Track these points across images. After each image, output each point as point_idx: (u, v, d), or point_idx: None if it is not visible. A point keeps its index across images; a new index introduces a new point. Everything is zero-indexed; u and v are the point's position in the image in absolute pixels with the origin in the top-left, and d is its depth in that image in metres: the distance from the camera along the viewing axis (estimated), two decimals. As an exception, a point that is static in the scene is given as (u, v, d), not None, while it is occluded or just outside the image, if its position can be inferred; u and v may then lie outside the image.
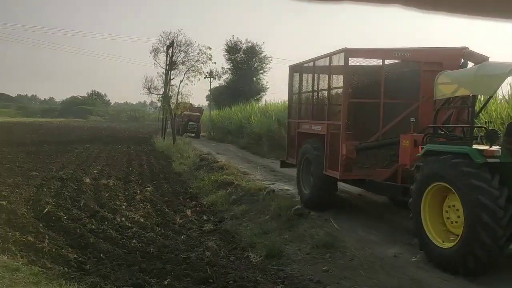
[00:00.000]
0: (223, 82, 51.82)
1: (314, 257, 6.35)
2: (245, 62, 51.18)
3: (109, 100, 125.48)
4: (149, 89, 27.97)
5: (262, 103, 38.53)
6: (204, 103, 60.64)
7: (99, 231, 7.44)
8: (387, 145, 7.78)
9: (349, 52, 7.70)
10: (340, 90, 8.25)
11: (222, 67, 50.26)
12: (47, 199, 9.66)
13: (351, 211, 8.77)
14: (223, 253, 6.72)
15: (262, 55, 51.36)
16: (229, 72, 51.71)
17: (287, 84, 10.84)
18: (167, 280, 5.33)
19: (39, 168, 14.60)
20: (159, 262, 6.03)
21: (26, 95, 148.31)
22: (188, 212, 9.37)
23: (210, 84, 47.38)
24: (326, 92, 8.84)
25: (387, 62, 8.27)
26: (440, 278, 5.40)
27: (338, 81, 8.52)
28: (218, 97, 51.27)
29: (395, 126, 7.80)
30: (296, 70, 10.61)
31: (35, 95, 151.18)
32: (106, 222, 8.06)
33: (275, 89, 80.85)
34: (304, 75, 10.22)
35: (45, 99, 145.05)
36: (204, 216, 9.35)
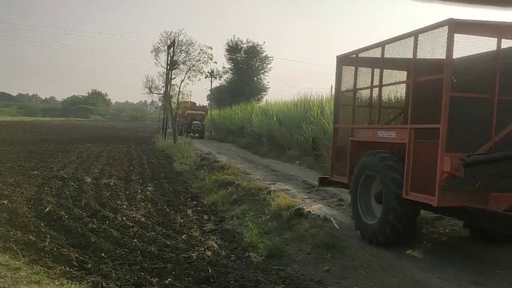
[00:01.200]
0: (224, 82, 51.99)
1: (315, 257, 6.36)
2: (246, 62, 51.28)
3: (110, 100, 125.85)
4: (150, 88, 28.04)
5: (263, 103, 38.59)
6: (205, 102, 60.76)
7: (100, 231, 7.46)
8: (507, 158, 5.66)
9: (455, 26, 5.51)
10: (432, 82, 6.10)
11: (223, 67, 50.47)
12: (48, 199, 9.69)
13: (350, 210, 8.74)
14: (224, 252, 6.74)
15: (263, 54, 51.52)
16: (230, 72, 51.89)
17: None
18: (168, 279, 5.35)
19: (40, 167, 14.63)
20: (160, 261, 6.05)
21: (27, 94, 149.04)
22: (189, 211, 9.38)
23: (211, 84, 47.55)
24: (405, 87, 6.97)
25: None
26: (441, 279, 5.40)
27: (425, 70, 6.38)
28: (219, 96, 51.41)
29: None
30: (349, 61, 8.19)
31: (36, 94, 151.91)
32: (107, 222, 8.07)
33: (276, 89, 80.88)
34: (363, 69, 7.90)
35: (46, 98, 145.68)
36: (205, 215, 9.36)
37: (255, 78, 51.53)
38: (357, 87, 7.83)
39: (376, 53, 7.18)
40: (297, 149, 18.33)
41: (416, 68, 6.26)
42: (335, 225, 7.58)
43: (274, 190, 10.19)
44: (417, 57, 6.17)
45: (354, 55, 7.82)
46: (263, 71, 52.31)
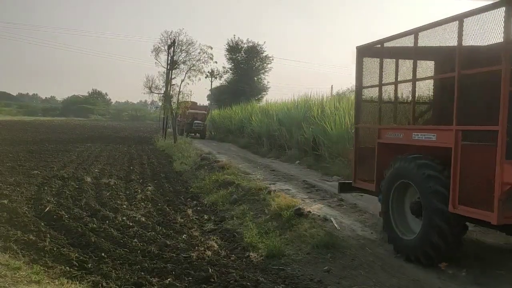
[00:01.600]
0: (224, 82, 52.11)
1: (314, 257, 6.36)
2: (246, 61, 51.40)
3: (110, 99, 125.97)
4: (150, 88, 28.08)
5: (263, 102, 38.62)
6: (205, 102, 60.89)
7: (100, 230, 7.46)
8: None
9: None
10: (480, 75, 5.25)
11: (223, 67, 50.59)
12: (48, 198, 9.70)
13: (350, 210, 8.76)
14: (224, 252, 6.74)
15: (263, 54, 51.62)
16: (230, 71, 52.03)
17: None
18: (168, 279, 5.34)
19: (41, 167, 14.65)
20: (160, 261, 6.05)
21: (27, 93, 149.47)
22: (189, 211, 9.38)
23: (211, 84, 47.64)
24: (447, 81, 6.03)
25: None
26: (440, 279, 5.41)
27: (472, 61, 5.34)
28: (219, 96, 51.54)
29: None
30: (372, 53, 7.29)
31: (36, 94, 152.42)
32: (107, 221, 8.07)
33: (276, 88, 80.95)
34: (389, 60, 6.87)
35: (46, 98, 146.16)
36: (205, 215, 9.36)
37: (255, 78, 51.65)
38: (384, 81, 6.86)
39: (405, 43, 6.37)
40: (297, 149, 18.34)
41: (462, 59, 5.33)
42: (335, 225, 7.58)
43: (274, 190, 10.18)
44: (463, 45, 5.27)
45: (379, 45, 6.91)
46: (263, 71, 52.47)
